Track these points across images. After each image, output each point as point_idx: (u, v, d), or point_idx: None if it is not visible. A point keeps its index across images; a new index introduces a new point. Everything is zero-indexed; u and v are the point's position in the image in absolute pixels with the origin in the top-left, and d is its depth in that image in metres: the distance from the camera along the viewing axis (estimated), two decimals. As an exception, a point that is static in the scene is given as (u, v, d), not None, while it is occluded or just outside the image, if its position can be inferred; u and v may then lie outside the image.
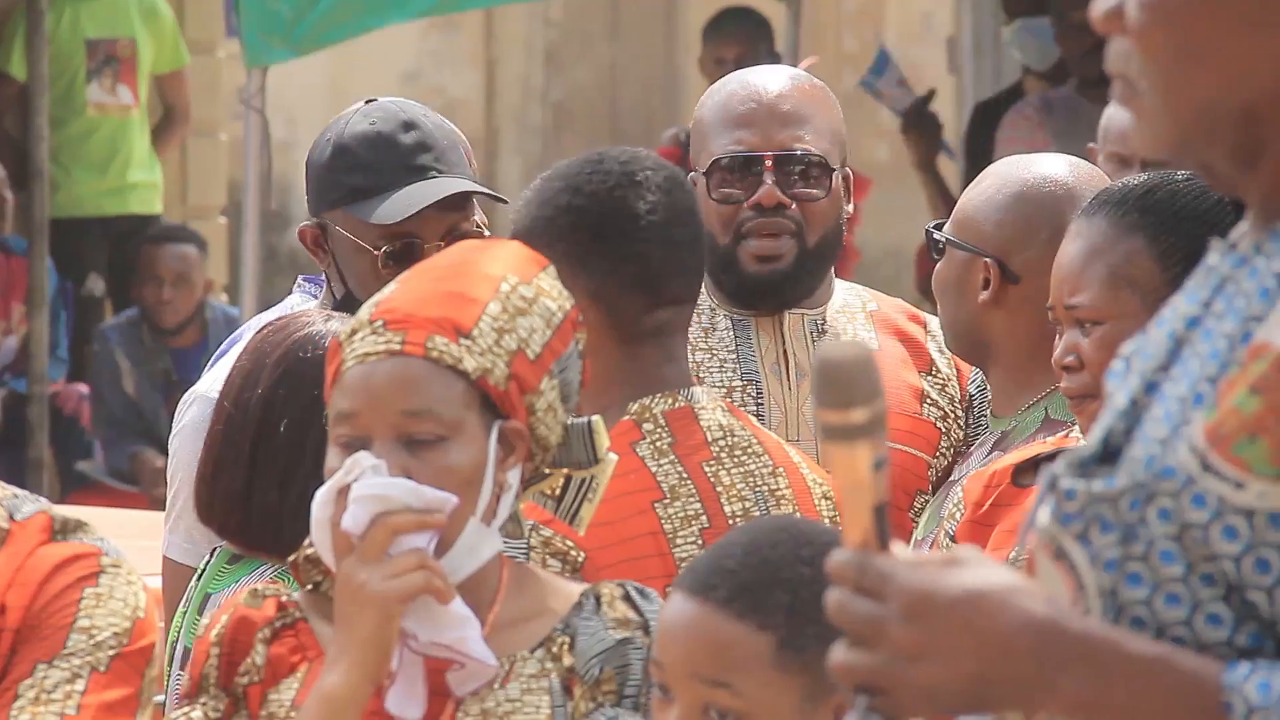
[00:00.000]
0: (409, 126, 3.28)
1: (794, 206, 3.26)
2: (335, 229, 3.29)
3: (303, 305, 3.55)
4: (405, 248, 3.24)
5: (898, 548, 1.69)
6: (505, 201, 3.34)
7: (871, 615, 1.66)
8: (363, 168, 3.26)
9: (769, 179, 3.25)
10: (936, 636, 1.65)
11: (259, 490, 2.77)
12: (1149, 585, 1.67)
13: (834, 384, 1.67)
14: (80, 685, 2.38)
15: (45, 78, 7.19)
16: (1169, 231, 2.81)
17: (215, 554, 2.87)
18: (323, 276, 3.61)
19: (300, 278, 3.65)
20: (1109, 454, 1.72)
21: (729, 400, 3.05)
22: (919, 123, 7.45)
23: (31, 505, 2.47)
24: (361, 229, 3.26)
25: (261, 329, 2.87)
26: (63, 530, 2.44)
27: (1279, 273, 1.67)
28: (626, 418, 2.87)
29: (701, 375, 3.24)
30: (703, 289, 3.07)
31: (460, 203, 3.27)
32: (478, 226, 3.29)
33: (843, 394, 1.67)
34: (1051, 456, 2.89)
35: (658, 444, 2.86)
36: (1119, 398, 1.74)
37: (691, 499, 2.84)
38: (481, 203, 3.37)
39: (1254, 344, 1.66)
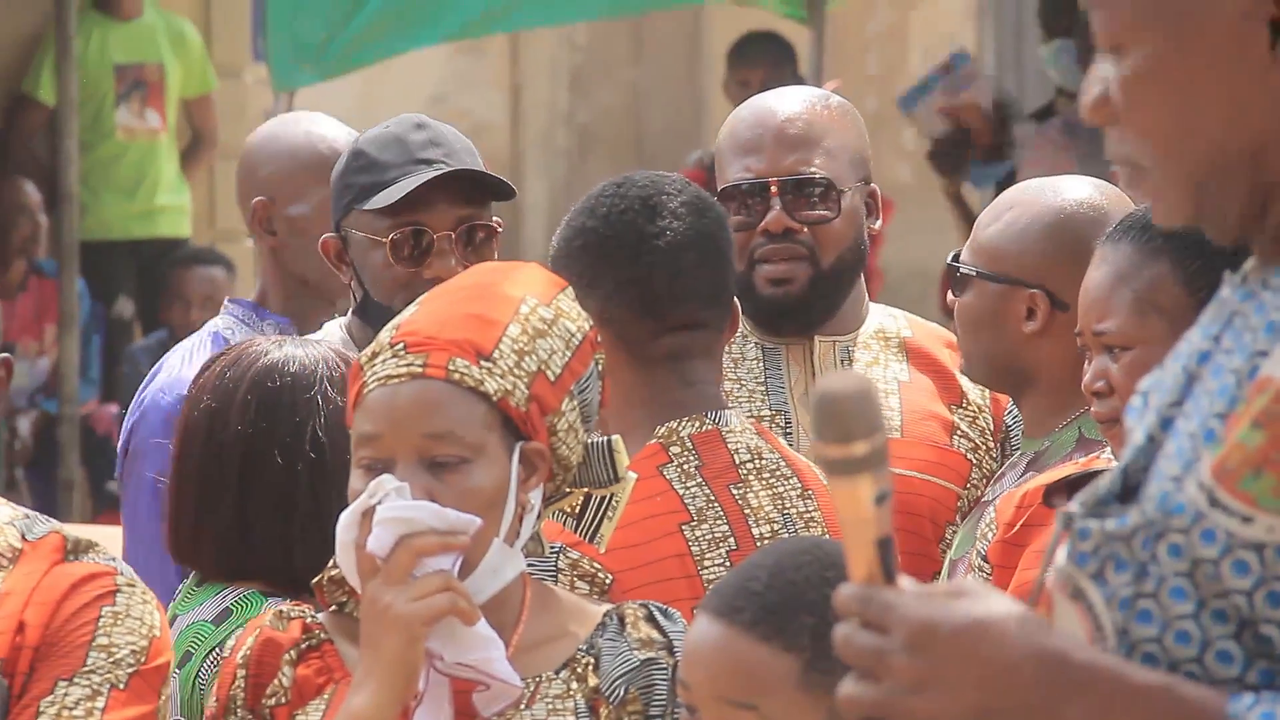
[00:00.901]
0: (421, 126, 3.28)
1: (805, 231, 3.25)
2: (351, 232, 3.29)
3: (226, 329, 3.58)
4: (413, 235, 3.22)
5: (903, 580, 1.69)
6: (514, 192, 3.33)
7: (876, 647, 1.66)
8: (373, 166, 3.26)
9: (776, 205, 3.24)
10: (940, 667, 1.65)
11: (258, 524, 2.76)
12: (1159, 623, 1.68)
13: (834, 417, 1.66)
14: (101, 702, 2.39)
15: (74, 102, 7.21)
16: (1194, 256, 2.80)
17: (190, 575, 2.86)
18: (249, 299, 3.63)
19: (227, 300, 3.67)
20: (1129, 490, 1.72)
21: (758, 423, 3.05)
22: (941, 162, 7.47)
23: (43, 525, 2.48)
24: (371, 222, 3.25)
25: (211, 366, 2.85)
26: (74, 550, 2.46)
27: None
28: (654, 440, 2.87)
29: (730, 405, 3.23)
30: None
31: (474, 198, 3.25)
32: (495, 223, 3.28)
33: (843, 427, 1.66)
34: (1083, 478, 2.88)
35: (685, 467, 2.86)
36: (1137, 434, 1.75)
37: (719, 521, 2.84)
38: (509, 221, 3.36)
39: (1259, 379, 1.66)
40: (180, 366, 3.54)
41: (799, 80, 7.42)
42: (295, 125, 3.70)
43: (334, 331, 3.43)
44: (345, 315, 3.42)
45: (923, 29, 11.36)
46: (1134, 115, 1.72)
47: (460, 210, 3.25)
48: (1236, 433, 1.66)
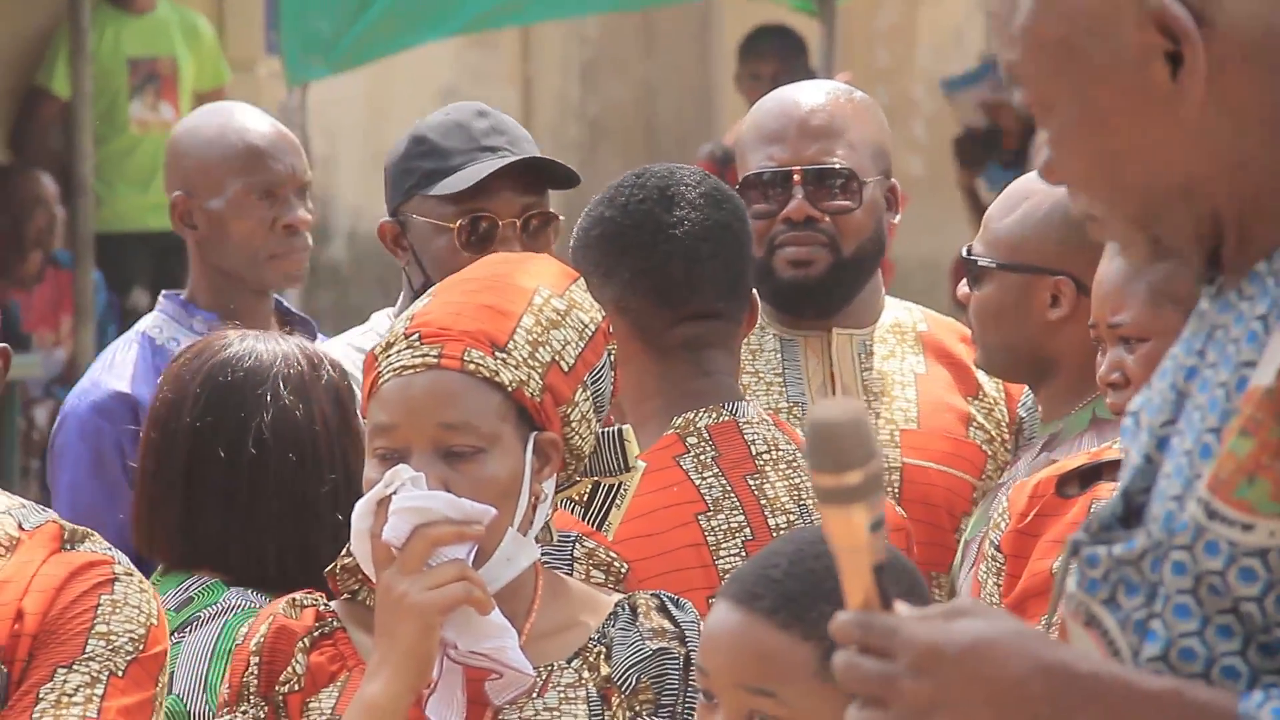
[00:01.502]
0: (483, 115, 3.31)
1: (826, 220, 3.27)
2: (412, 218, 3.30)
3: (154, 328, 3.58)
4: (479, 222, 3.24)
5: (900, 605, 1.70)
6: (579, 180, 3.36)
7: (881, 673, 1.67)
8: (437, 152, 3.28)
9: (798, 193, 3.26)
10: (948, 688, 1.65)
11: (202, 517, 2.78)
12: (1164, 641, 1.69)
13: (827, 446, 1.65)
14: (99, 689, 2.41)
15: (88, 95, 7.23)
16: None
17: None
18: (181, 294, 3.63)
19: (162, 294, 3.67)
20: (1131, 512, 1.74)
21: (775, 414, 3.05)
22: (964, 153, 7.49)
23: (39, 515, 2.50)
24: (436, 208, 3.27)
25: (179, 356, 2.87)
26: (71, 539, 2.48)
27: (1261, 315, 1.69)
28: (671, 431, 2.88)
29: (748, 398, 3.24)
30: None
31: (535, 186, 3.29)
32: (552, 212, 3.31)
33: (837, 457, 1.65)
34: (1094, 469, 2.89)
35: (701, 457, 2.87)
36: (1133, 455, 1.76)
37: (735, 511, 2.85)
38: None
39: (1248, 389, 1.67)
40: (102, 372, 3.54)
41: (810, 73, 7.43)
42: (214, 117, 3.68)
43: (382, 322, 3.45)
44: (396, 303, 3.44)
45: (931, 24, 11.36)
46: (1068, 171, 1.74)
47: (524, 198, 3.29)
48: (1227, 443, 1.66)
